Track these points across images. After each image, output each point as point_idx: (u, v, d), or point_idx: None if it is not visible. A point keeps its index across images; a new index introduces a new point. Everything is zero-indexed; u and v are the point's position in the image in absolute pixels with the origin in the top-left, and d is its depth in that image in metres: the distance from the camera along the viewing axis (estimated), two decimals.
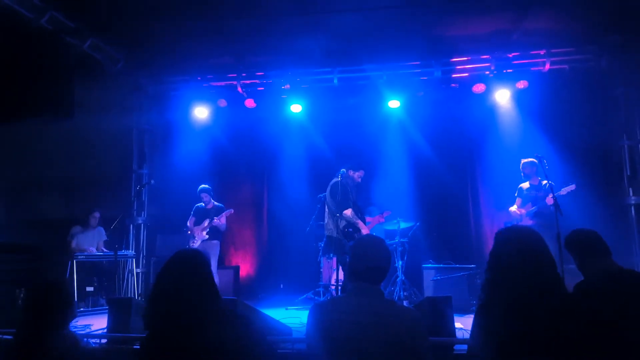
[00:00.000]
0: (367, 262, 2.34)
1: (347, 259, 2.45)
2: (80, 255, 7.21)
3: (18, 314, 4.86)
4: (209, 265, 2.36)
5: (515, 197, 6.94)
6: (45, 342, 2.53)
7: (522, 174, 6.85)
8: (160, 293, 2.25)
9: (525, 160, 6.79)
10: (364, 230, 6.21)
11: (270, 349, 2.40)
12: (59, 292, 2.76)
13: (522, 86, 7.82)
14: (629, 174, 7.52)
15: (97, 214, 7.74)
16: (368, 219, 6.72)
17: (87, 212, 7.70)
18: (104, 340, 4.49)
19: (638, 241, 7.26)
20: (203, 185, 7.70)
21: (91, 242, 7.63)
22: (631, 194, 7.46)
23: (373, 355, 2.09)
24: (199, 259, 2.35)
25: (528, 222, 6.59)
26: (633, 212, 7.40)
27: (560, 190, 6.23)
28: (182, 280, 2.25)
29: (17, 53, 6.49)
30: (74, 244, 7.49)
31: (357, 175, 6.44)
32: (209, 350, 2.08)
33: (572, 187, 6.22)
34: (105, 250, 7.71)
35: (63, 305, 2.74)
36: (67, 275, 6.95)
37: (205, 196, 7.66)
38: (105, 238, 7.79)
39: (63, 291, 2.79)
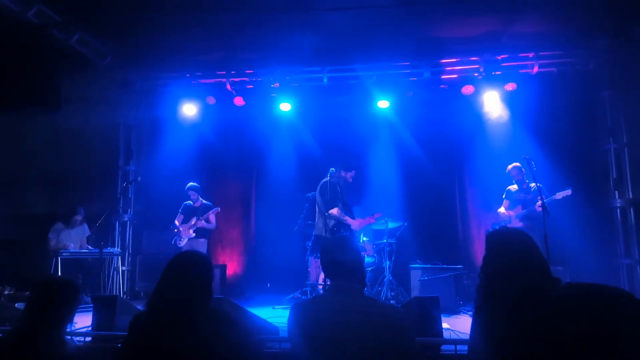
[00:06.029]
0: (333, 260, 2.38)
1: None
2: (65, 252, 7.12)
3: (4, 311, 4.79)
4: (210, 269, 2.38)
5: (503, 199, 6.98)
6: (37, 342, 2.47)
7: (512, 179, 6.90)
8: (158, 290, 2.30)
9: (512, 165, 6.84)
10: (354, 225, 6.22)
11: (256, 351, 2.43)
12: (67, 293, 2.68)
13: (511, 88, 7.87)
14: (614, 176, 7.60)
15: (79, 217, 7.61)
16: (358, 219, 6.71)
17: (71, 212, 7.59)
18: (88, 338, 4.44)
19: (623, 243, 7.35)
20: (191, 183, 7.65)
21: (74, 240, 7.52)
22: (617, 196, 7.54)
23: (355, 353, 2.08)
24: (201, 262, 2.38)
25: (518, 224, 6.62)
26: (618, 214, 7.49)
27: (555, 194, 6.28)
28: (181, 280, 2.29)
29: (3, 46, 6.40)
30: (53, 243, 7.35)
31: (348, 175, 6.44)
32: (193, 349, 2.09)
33: (568, 192, 6.25)
34: (89, 246, 7.62)
35: (69, 307, 2.67)
36: (51, 272, 6.87)
37: (193, 194, 7.61)
38: (88, 233, 7.69)
39: (72, 292, 2.71)
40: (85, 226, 7.72)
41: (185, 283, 2.27)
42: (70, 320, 2.73)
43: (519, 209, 6.70)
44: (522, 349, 1.91)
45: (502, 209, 6.91)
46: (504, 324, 1.98)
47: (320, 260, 2.49)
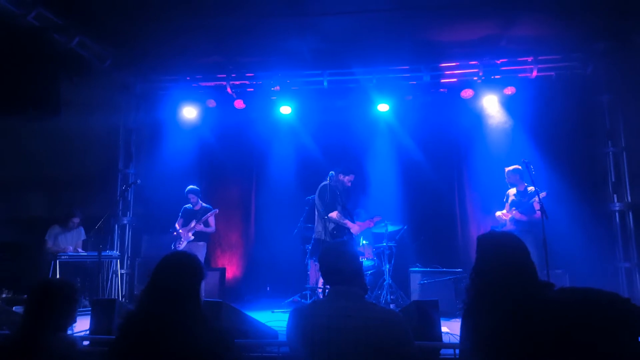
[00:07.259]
0: (331, 267, 2.39)
1: None
2: (64, 255, 7.11)
3: (1, 315, 4.78)
4: (198, 273, 2.37)
5: (504, 203, 6.98)
6: (42, 344, 2.46)
7: (507, 182, 6.89)
8: (146, 290, 2.31)
9: (509, 168, 6.82)
10: (354, 229, 6.21)
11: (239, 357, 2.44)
12: (65, 294, 2.67)
13: (510, 92, 7.88)
14: (613, 180, 7.62)
15: (76, 219, 7.59)
16: (358, 223, 6.71)
17: (67, 215, 7.58)
18: (86, 342, 4.43)
19: (622, 246, 7.35)
20: (191, 186, 7.65)
21: (70, 243, 7.51)
22: (615, 200, 7.55)
23: (354, 358, 2.08)
24: (190, 264, 2.37)
25: (510, 227, 6.61)
26: (617, 217, 7.50)
27: (534, 198, 6.26)
28: (167, 282, 2.28)
29: (2, 49, 6.40)
30: (49, 244, 7.35)
31: (347, 179, 6.44)
32: (177, 353, 2.10)
33: (543, 194, 6.24)
34: (81, 250, 7.59)
35: (68, 307, 2.66)
36: (50, 275, 6.85)
37: (193, 197, 7.61)
38: (84, 237, 7.67)
39: (70, 293, 2.71)
40: (82, 230, 7.70)
41: (171, 285, 2.27)
42: (72, 321, 2.73)
43: (513, 212, 6.70)
44: (511, 351, 1.92)
45: (499, 212, 6.90)
46: (492, 325, 1.99)
47: (319, 267, 2.49)
